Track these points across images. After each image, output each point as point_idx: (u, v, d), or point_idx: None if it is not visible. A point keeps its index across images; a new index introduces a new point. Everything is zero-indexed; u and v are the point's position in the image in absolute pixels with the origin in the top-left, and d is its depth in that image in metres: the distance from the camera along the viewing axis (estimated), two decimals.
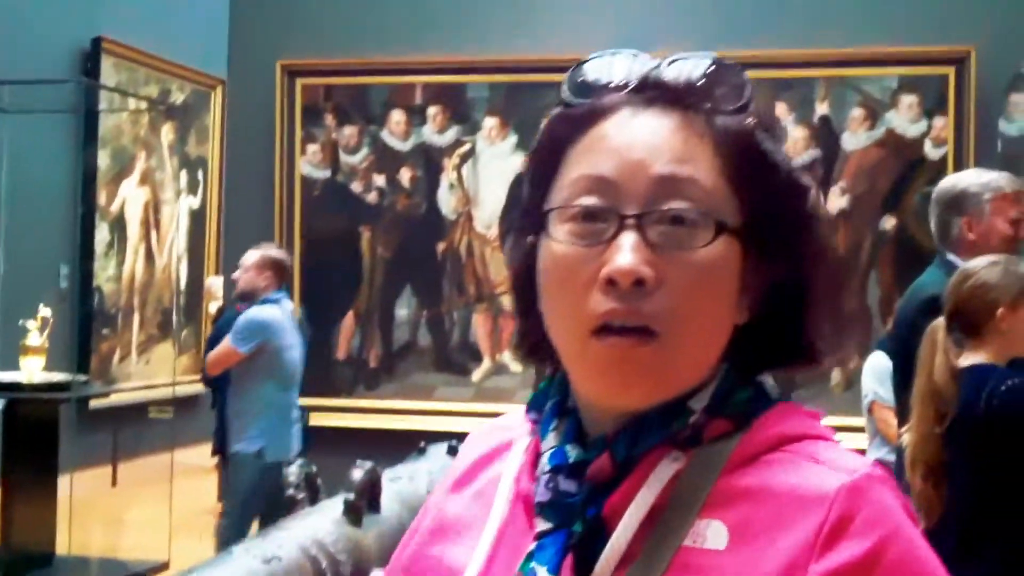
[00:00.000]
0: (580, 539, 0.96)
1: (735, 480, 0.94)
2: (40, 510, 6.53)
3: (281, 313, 6.12)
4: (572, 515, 0.97)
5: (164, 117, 10.27)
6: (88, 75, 9.17)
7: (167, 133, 10.42)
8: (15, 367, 6.64)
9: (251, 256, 6.22)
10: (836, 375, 7.49)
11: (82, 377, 7.37)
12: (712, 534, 0.92)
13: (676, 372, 0.97)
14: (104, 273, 9.48)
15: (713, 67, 1.00)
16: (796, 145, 7.47)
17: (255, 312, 6.06)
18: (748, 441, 0.96)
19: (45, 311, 6.71)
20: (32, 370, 6.58)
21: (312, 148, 7.99)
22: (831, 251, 1.00)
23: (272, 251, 6.35)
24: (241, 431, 5.95)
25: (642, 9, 6.80)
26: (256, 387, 6.02)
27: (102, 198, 9.57)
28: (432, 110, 7.70)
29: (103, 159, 9.55)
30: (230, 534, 5.77)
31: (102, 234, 9.53)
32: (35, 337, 6.61)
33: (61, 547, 6.78)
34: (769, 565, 0.90)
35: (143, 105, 9.90)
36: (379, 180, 7.79)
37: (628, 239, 0.94)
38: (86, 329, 9.19)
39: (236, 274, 6.18)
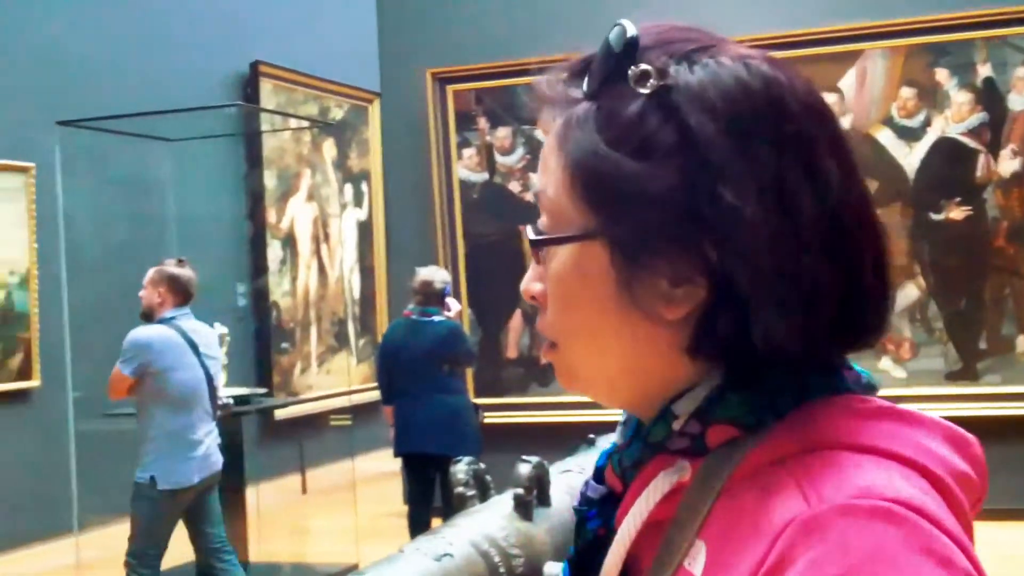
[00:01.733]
0: (582, 553, 0.96)
1: (732, 496, 0.86)
2: (231, 520, 6.74)
3: (169, 333, 5.68)
4: (580, 527, 0.97)
5: (325, 134, 10.52)
6: (248, 99, 9.45)
7: (329, 149, 10.67)
8: None
9: (148, 273, 5.79)
10: (1021, 343, 7.27)
11: (262, 390, 7.60)
12: (698, 556, 0.86)
13: (580, 371, 0.96)
14: (279, 289, 9.76)
15: (571, 67, 0.96)
16: (961, 110, 7.28)
17: (136, 332, 5.70)
18: (757, 451, 0.87)
19: (222, 328, 6.93)
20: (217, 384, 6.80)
21: (467, 152, 8.10)
22: (748, 239, 0.85)
23: (168, 266, 5.83)
24: (139, 458, 5.68)
25: None
26: (147, 412, 5.68)
27: (271, 216, 9.84)
28: None
29: (269, 179, 9.83)
30: (133, 564, 5.63)
31: (274, 251, 9.81)
32: None
33: (254, 555, 7.00)
34: None
35: (304, 124, 10.16)
36: (536, 178, 7.86)
37: (533, 260, 0.97)
38: (265, 344, 9.48)
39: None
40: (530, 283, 0.97)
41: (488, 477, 3.62)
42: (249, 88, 9.57)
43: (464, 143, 8.11)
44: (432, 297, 6.62)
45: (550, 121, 0.95)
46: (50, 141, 6.87)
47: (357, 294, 10.91)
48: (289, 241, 10.08)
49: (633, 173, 0.87)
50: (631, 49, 0.90)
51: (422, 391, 6.53)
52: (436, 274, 6.78)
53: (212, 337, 5.94)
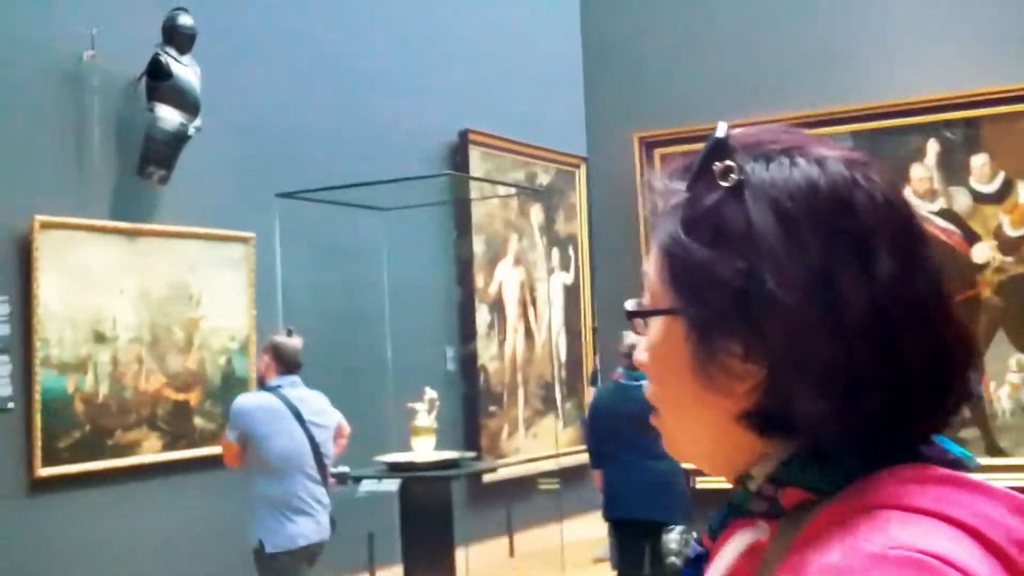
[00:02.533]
0: None
1: (801, 551, 0.91)
2: None
3: (269, 400, 5.84)
4: None
5: (532, 199, 10.65)
6: (457, 167, 9.65)
7: (536, 214, 10.79)
8: (408, 448, 7.00)
9: (265, 343, 6.05)
10: None
11: (471, 454, 7.69)
12: None
13: (681, 441, 1.06)
14: (487, 353, 9.88)
15: (682, 166, 1.04)
16: None
17: (237, 400, 5.92)
18: (823, 514, 0.93)
19: (432, 393, 7.05)
20: (424, 450, 6.91)
21: None
22: (786, 326, 0.92)
23: (277, 336, 6.06)
24: (249, 524, 5.83)
25: (999, 39, 6.51)
26: (250, 478, 5.84)
27: (480, 281, 9.99)
28: None
29: (478, 244, 9.99)
30: None
31: (482, 316, 9.94)
32: (424, 418, 6.95)
33: None
34: None
35: (512, 191, 10.31)
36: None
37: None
38: (473, 408, 9.59)
39: None
40: (640, 352, 1.06)
41: None
42: (458, 156, 9.78)
43: None
44: None
45: (659, 212, 1.04)
46: (270, 212, 7.15)
47: (563, 357, 10.95)
48: (497, 305, 10.21)
49: (704, 259, 0.97)
50: (719, 147, 0.99)
51: (630, 456, 6.50)
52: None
53: (321, 404, 6.06)
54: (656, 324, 1.03)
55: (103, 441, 6.61)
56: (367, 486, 6.65)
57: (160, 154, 6.93)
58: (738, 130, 1.03)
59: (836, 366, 0.92)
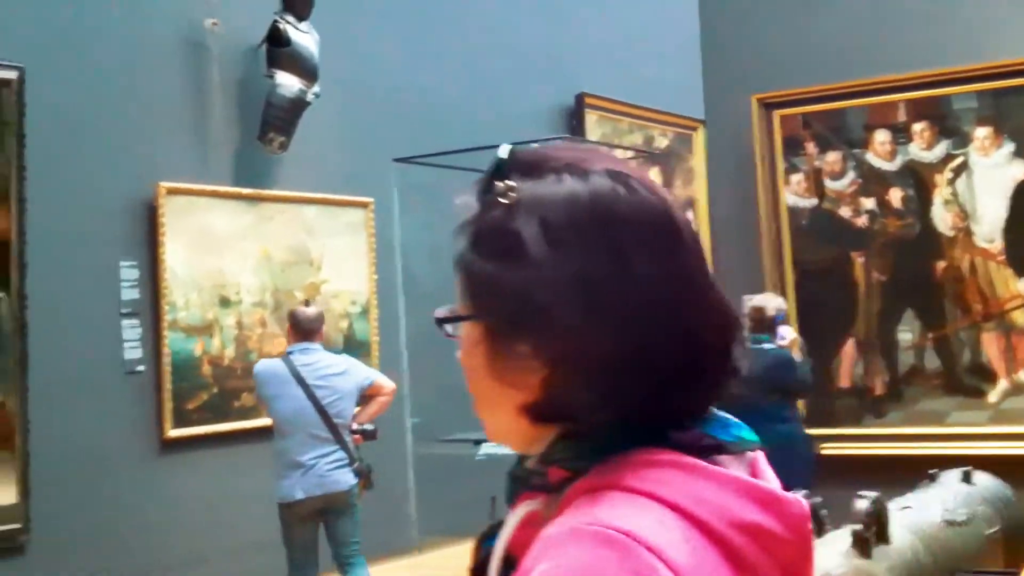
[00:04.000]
0: (480, 565, 1.16)
1: (546, 528, 1.02)
2: None
3: (275, 365, 6.42)
4: (480, 543, 1.19)
5: (649, 163, 10.55)
6: (573, 131, 9.59)
7: (654, 178, 10.67)
8: None
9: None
10: None
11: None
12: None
13: (490, 428, 1.18)
14: None
15: (469, 192, 1.17)
16: None
17: (254, 366, 6.49)
18: (571, 490, 1.05)
19: None
20: None
21: (795, 178, 7.95)
22: (552, 320, 1.04)
23: (296, 307, 6.66)
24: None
25: None
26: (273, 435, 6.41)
27: None
28: (918, 126, 7.45)
29: None
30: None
31: None
32: None
33: None
34: None
35: (628, 154, 10.22)
36: (867, 203, 7.63)
37: None
38: None
39: None
40: (458, 352, 1.19)
41: (823, 512, 3.51)
42: (575, 120, 9.72)
43: (791, 168, 7.96)
44: (763, 324, 6.55)
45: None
46: (387, 177, 7.19)
47: None
48: None
49: (488, 273, 1.10)
50: (500, 167, 1.12)
51: (752, 419, 6.41)
52: (770, 301, 6.70)
53: (337, 368, 6.47)
54: (463, 327, 1.16)
55: (229, 403, 6.72)
56: (486, 449, 6.68)
57: (280, 120, 7.00)
58: (524, 148, 1.14)
59: (600, 361, 1.04)
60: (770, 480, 1.14)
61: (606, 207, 1.06)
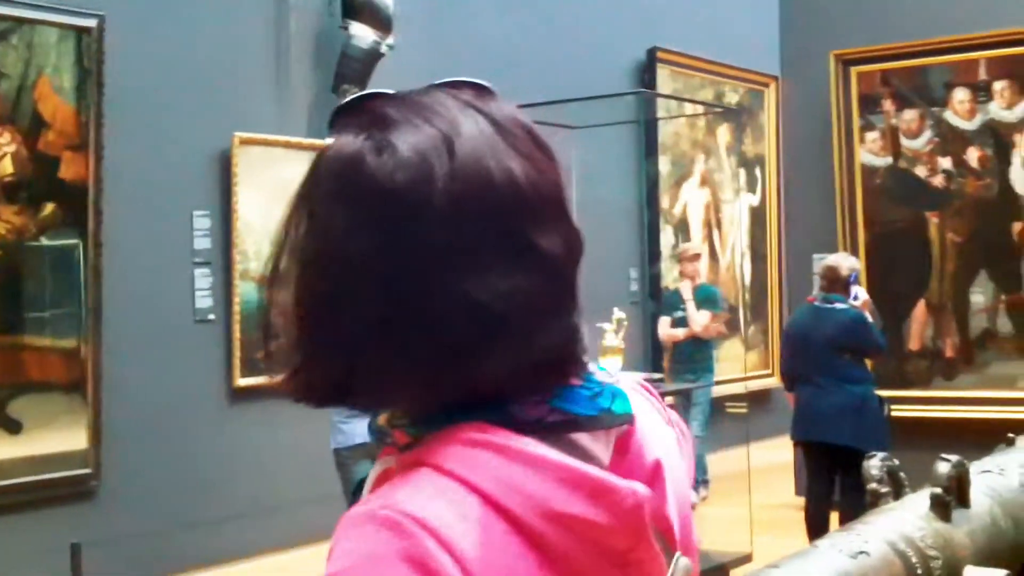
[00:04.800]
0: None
1: None
2: None
3: None
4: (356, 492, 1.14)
5: (720, 120, 10.46)
6: (646, 85, 9.52)
7: (724, 135, 10.60)
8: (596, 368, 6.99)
9: None
10: None
11: (657, 375, 7.64)
12: None
13: None
14: (671, 274, 9.79)
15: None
16: None
17: None
18: (402, 457, 1.03)
19: (620, 313, 7.02)
20: (612, 370, 6.87)
21: (871, 136, 7.83)
22: (301, 292, 1.03)
23: None
24: None
25: None
26: None
27: (665, 202, 9.89)
28: (999, 85, 7.30)
29: (664, 165, 9.88)
30: None
31: (667, 237, 9.85)
32: (612, 338, 6.92)
33: None
34: None
35: (700, 110, 10.13)
36: (944, 163, 7.51)
37: None
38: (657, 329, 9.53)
39: None
40: None
41: (902, 474, 3.47)
42: (647, 74, 9.64)
43: (868, 126, 7.84)
44: (836, 284, 6.48)
45: None
46: None
47: (748, 281, 10.79)
48: (682, 227, 10.10)
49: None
50: (331, 116, 1.09)
51: (823, 379, 6.42)
52: (843, 261, 6.63)
53: None
54: None
55: None
56: None
57: (354, 72, 7.00)
58: (357, 99, 1.09)
59: (332, 328, 1.02)
60: (642, 454, 1.09)
61: (348, 174, 1.02)
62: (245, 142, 6.47)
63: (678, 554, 1.09)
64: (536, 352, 1.02)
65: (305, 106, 7.00)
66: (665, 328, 8.52)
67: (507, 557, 0.95)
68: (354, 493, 1.12)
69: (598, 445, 1.06)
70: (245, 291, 6.48)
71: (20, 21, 5.52)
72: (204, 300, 6.35)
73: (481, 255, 1.01)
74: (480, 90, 1.17)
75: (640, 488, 1.00)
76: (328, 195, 1.02)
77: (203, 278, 6.35)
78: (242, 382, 6.44)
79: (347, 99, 1.09)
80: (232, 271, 6.43)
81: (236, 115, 6.48)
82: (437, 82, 1.15)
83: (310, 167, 1.05)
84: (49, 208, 5.66)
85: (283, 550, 6.41)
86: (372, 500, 0.98)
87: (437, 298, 1.00)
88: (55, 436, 5.65)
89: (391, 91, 1.12)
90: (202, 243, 6.35)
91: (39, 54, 5.61)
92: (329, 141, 1.06)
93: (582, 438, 1.04)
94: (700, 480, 8.71)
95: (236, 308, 6.43)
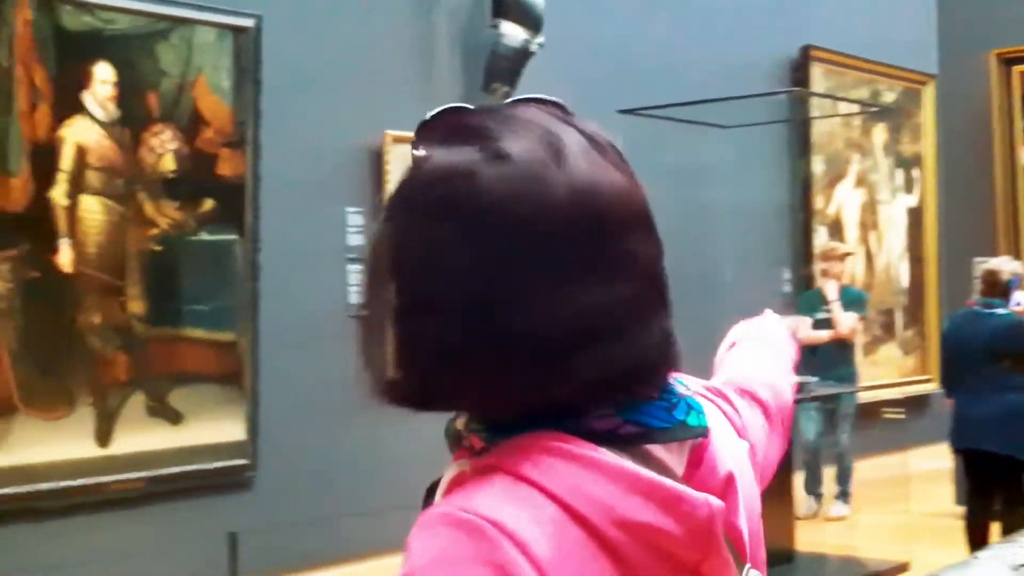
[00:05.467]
0: None
1: None
2: (777, 507, 6.71)
3: None
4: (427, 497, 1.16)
5: (875, 119, 10.22)
6: (798, 84, 9.36)
7: (879, 134, 10.36)
8: None
9: None
10: None
11: (812, 379, 7.49)
12: None
13: None
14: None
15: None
16: None
17: None
18: (476, 462, 1.04)
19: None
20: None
21: None
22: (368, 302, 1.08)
23: None
24: None
25: None
26: None
27: (819, 202, 9.72)
28: None
29: (817, 164, 9.70)
30: None
31: (820, 238, 9.67)
32: None
33: (800, 545, 6.94)
34: None
35: (854, 109, 9.92)
36: None
37: None
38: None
39: None
40: None
41: None
42: (799, 73, 9.49)
43: None
44: (997, 288, 6.30)
45: None
46: (610, 129, 7.10)
47: (905, 283, 10.53)
48: (836, 228, 9.90)
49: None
50: (417, 129, 1.11)
51: (980, 385, 6.25)
52: (1005, 265, 6.45)
53: None
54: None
55: None
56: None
57: (504, 70, 7.02)
58: (446, 111, 1.11)
59: (420, 345, 1.03)
60: (714, 467, 1.11)
61: (461, 184, 1.01)
62: (397, 140, 6.54)
63: (747, 566, 1.11)
64: (630, 360, 1.04)
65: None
66: (807, 329, 8.22)
67: (580, 563, 0.97)
68: (426, 496, 1.13)
69: (672, 457, 1.08)
70: None
71: (180, 21, 5.67)
72: (357, 295, 6.43)
73: (586, 263, 1.02)
74: (559, 106, 1.16)
75: (713, 500, 1.01)
76: (437, 205, 1.02)
77: (356, 274, 6.44)
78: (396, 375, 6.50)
79: (430, 114, 1.10)
80: None
81: (388, 113, 6.55)
82: (514, 98, 1.14)
83: (408, 179, 1.06)
84: (208, 204, 5.80)
85: None
86: (449, 502, 1.00)
87: (542, 306, 1.00)
88: (213, 427, 5.79)
89: (471, 106, 1.12)
90: (355, 239, 6.44)
91: (198, 53, 5.76)
92: (420, 153, 1.07)
93: (656, 450, 1.06)
94: (843, 492, 8.50)
95: None
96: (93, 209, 5.41)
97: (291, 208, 6.07)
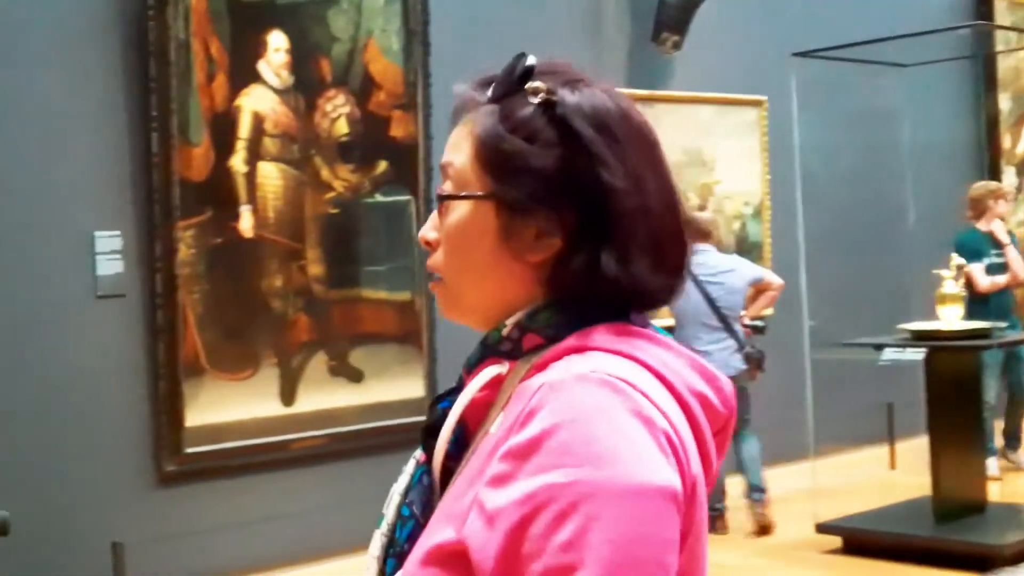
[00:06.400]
0: (432, 425, 1.29)
1: (527, 381, 1.18)
2: (968, 458, 6.51)
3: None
4: (433, 406, 1.31)
5: None
6: (981, 18, 9.00)
7: None
8: (933, 316, 6.69)
9: None
10: None
11: (1002, 324, 7.22)
12: (497, 422, 1.18)
13: (463, 301, 1.30)
14: (1014, 218, 9.23)
15: (480, 81, 1.33)
16: None
17: None
18: (549, 352, 1.21)
19: (959, 259, 6.70)
20: (950, 318, 6.56)
21: None
22: (619, 199, 1.21)
23: (693, 211, 6.80)
24: None
25: None
26: None
27: (1006, 141, 9.36)
28: None
29: (1004, 102, 9.34)
30: None
31: (1008, 178, 9.31)
32: (951, 286, 6.61)
33: (993, 495, 6.74)
34: (499, 442, 1.14)
35: None
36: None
37: (431, 215, 1.33)
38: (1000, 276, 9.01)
39: None
40: (427, 231, 1.32)
41: None
42: (982, 6, 9.11)
43: None
44: None
45: (463, 115, 1.32)
46: (783, 74, 6.95)
47: None
48: None
49: (522, 151, 1.24)
50: (528, 72, 1.27)
51: None
52: None
53: (727, 266, 6.70)
54: (462, 206, 1.27)
55: None
56: (889, 355, 6.44)
57: (673, 20, 6.92)
58: (544, 60, 1.30)
59: (645, 234, 1.22)
60: None
61: (629, 116, 1.26)
62: None
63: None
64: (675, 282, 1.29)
65: (623, 56, 6.98)
66: (981, 274, 7.59)
67: (676, 416, 1.18)
68: (433, 405, 1.31)
69: None
70: None
71: None
72: None
73: (675, 195, 1.29)
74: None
75: (729, 380, 1.29)
76: (631, 144, 1.25)
77: None
78: None
79: (526, 64, 1.28)
80: None
81: None
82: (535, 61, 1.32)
83: (594, 115, 1.24)
84: (382, 166, 5.87)
85: None
86: (572, 366, 1.16)
87: (663, 224, 1.26)
88: (392, 385, 5.88)
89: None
90: None
91: (368, 17, 5.81)
92: (567, 94, 1.25)
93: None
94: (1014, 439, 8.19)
95: None
96: (271, 175, 5.52)
97: None
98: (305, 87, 5.61)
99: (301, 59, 5.59)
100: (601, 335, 1.21)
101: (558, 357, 1.19)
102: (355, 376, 5.79)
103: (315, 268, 5.66)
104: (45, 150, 5.02)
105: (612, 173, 1.21)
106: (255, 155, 5.46)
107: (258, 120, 5.47)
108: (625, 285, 1.22)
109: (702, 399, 1.22)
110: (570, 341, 1.20)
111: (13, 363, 4.94)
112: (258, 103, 5.47)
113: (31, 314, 4.97)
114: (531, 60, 1.28)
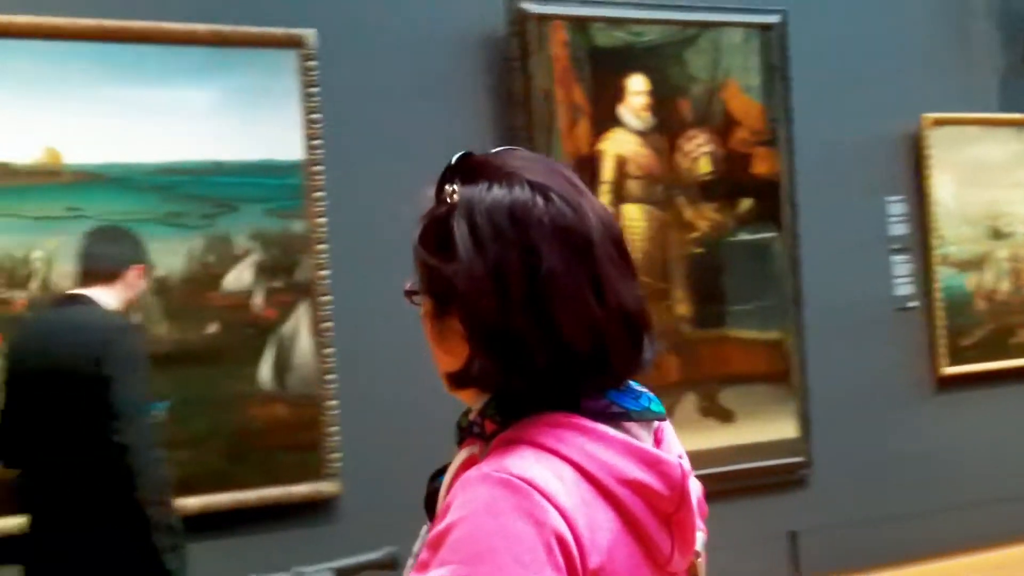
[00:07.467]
0: (429, 497, 1.39)
1: (467, 471, 1.26)
2: None
3: None
4: (432, 480, 1.42)
5: None
6: None
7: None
8: None
9: None
10: None
11: None
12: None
13: (445, 385, 1.40)
14: None
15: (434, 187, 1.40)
16: None
17: None
18: (497, 440, 1.30)
19: None
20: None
21: None
22: (469, 304, 1.29)
23: None
24: None
25: None
26: None
27: None
28: None
29: None
30: None
31: None
32: None
33: None
34: (431, 528, 1.27)
35: None
36: None
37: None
38: None
39: None
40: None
41: None
42: None
43: None
44: None
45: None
46: None
47: None
48: None
49: (426, 262, 1.35)
50: (449, 171, 1.36)
51: None
52: None
53: None
54: (425, 300, 1.38)
55: (1005, 340, 6.46)
56: None
57: None
58: (473, 156, 1.38)
59: (509, 340, 1.26)
60: (668, 445, 1.43)
61: (523, 214, 1.28)
62: (936, 122, 6.27)
63: (700, 524, 1.44)
64: (629, 348, 1.35)
65: (994, 80, 6.67)
66: None
67: (592, 511, 1.22)
68: (431, 480, 1.41)
69: (643, 433, 1.38)
70: (945, 276, 6.29)
71: (707, 25, 5.74)
72: (903, 287, 6.23)
73: (602, 286, 1.33)
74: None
75: (684, 463, 1.35)
76: (537, 240, 1.30)
77: (901, 265, 6.23)
78: (947, 371, 6.25)
79: (455, 158, 1.39)
80: (930, 257, 6.26)
81: (924, 96, 6.31)
82: (497, 149, 1.42)
83: (491, 216, 1.31)
84: (745, 203, 5.82)
85: (994, 548, 6.13)
86: (482, 467, 1.24)
87: (580, 317, 1.29)
88: (764, 425, 5.79)
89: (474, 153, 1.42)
90: (897, 229, 6.23)
91: (726, 55, 5.80)
92: (472, 193, 1.33)
93: (633, 427, 1.35)
94: None
95: (937, 294, 6.25)
96: (635, 216, 5.59)
97: (828, 201, 5.97)
98: (665, 128, 5.66)
99: (660, 101, 5.64)
100: (532, 428, 1.28)
101: (497, 446, 1.29)
102: (725, 416, 5.74)
103: (682, 308, 5.67)
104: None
105: (464, 274, 1.29)
106: (619, 197, 5.54)
107: (621, 163, 5.55)
108: (516, 387, 1.31)
109: (637, 486, 1.27)
110: (510, 430, 1.30)
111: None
112: (620, 146, 5.55)
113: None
114: (455, 159, 1.39)
